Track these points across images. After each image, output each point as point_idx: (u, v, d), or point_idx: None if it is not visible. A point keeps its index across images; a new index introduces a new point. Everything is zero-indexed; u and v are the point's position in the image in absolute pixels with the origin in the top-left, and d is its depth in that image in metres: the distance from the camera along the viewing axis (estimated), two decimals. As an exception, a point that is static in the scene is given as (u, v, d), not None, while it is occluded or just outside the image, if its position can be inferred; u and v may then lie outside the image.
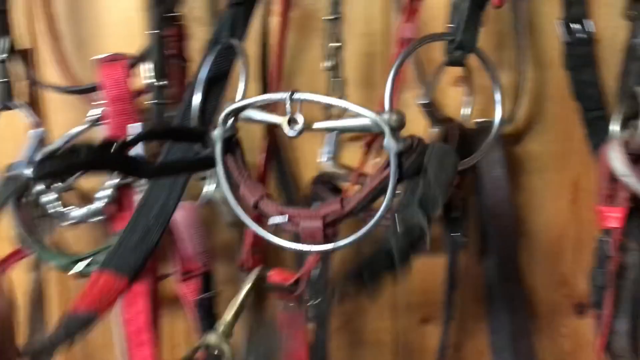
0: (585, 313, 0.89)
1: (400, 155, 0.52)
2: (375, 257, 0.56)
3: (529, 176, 0.86)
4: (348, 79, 0.80)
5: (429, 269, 0.86)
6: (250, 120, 0.58)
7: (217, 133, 0.58)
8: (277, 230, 0.57)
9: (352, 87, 0.82)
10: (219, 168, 0.58)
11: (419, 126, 0.79)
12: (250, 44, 0.78)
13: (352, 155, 0.80)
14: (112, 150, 0.49)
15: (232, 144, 0.59)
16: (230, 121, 0.58)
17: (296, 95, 0.53)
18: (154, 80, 0.76)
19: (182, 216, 0.76)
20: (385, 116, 0.51)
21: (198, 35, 0.82)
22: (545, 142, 0.86)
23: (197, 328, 0.76)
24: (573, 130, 0.81)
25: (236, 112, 0.58)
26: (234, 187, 0.58)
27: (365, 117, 0.52)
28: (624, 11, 0.73)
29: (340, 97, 0.76)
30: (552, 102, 0.83)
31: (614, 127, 0.74)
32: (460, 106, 0.81)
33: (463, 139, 0.76)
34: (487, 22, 0.68)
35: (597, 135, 0.78)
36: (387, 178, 0.52)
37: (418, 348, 0.93)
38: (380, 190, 0.53)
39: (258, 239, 0.76)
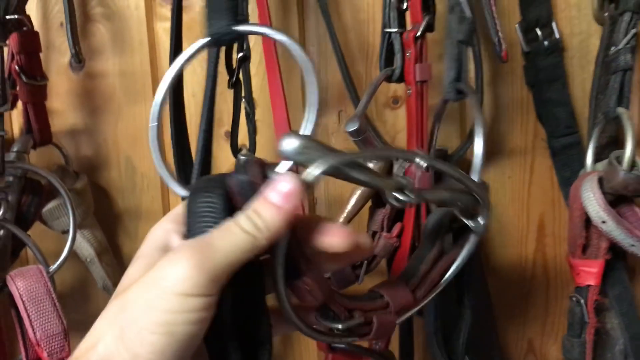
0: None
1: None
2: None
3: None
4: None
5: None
6: (344, 177, 0.38)
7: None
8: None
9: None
10: (281, 295, 0.38)
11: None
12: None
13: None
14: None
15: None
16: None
17: (429, 162, 0.41)
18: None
19: (24, 287, 0.56)
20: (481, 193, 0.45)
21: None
22: (501, 174, 0.69)
23: None
24: (535, 160, 0.68)
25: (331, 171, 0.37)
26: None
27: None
28: (595, 13, 0.63)
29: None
30: (511, 125, 0.66)
31: (588, 158, 0.60)
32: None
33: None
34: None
35: (566, 167, 0.65)
36: (456, 255, 0.48)
37: None
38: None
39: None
